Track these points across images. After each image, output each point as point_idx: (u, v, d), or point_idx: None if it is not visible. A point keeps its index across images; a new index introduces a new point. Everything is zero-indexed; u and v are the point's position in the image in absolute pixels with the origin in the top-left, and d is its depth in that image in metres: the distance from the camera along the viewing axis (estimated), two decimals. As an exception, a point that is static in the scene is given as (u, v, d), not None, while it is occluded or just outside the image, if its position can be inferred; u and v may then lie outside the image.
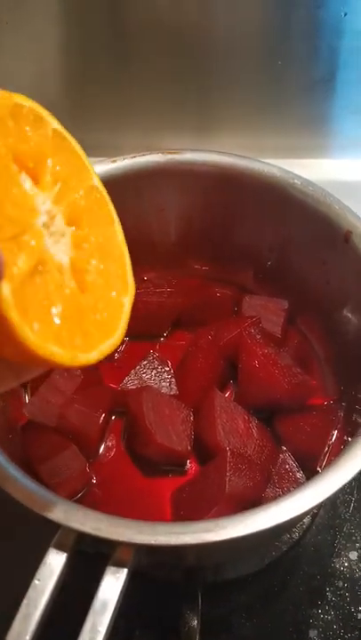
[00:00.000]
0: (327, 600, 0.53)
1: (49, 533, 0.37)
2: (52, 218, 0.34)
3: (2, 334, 0.30)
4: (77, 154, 0.38)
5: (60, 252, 0.34)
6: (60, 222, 0.35)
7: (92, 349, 0.35)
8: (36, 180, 0.34)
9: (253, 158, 0.58)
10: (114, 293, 0.38)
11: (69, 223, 0.35)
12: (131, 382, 0.57)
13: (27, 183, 0.33)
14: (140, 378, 0.57)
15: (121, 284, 0.39)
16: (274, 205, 0.58)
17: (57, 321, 0.33)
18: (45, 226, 0.33)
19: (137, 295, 0.60)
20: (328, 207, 0.55)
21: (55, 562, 0.36)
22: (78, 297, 0.35)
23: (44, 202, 0.34)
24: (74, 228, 0.36)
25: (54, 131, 0.36)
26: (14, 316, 0.29)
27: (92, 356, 0.35)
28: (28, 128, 0.34)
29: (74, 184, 0.37)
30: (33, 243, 0.32)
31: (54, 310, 0.33)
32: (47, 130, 0.35)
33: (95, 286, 0.36)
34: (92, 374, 0.57)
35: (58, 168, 0.35)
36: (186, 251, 0.67)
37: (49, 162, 0.35)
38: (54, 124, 0.36)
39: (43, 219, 0.33)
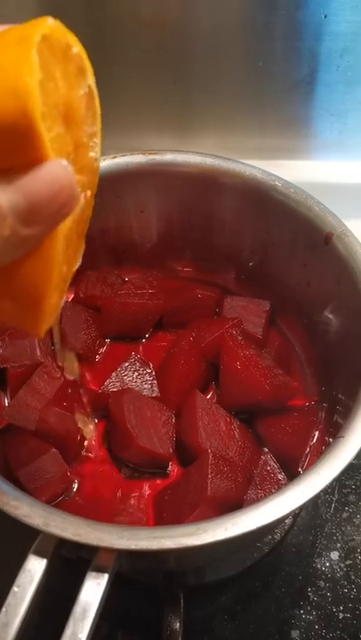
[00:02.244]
0: (309, 600, 0.53)
1: (28, 539, 0.37)
2: None
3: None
4: (97, 119, 0.36)
5: None
6: None
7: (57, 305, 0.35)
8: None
9: (234, 160, 0.58)
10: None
11: None
12: (112, 384, 0.56)
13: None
14: (122, 380, 0.57)
15: (77, 253, 0.38)
16: (255, 207, 0.59)
17: (64, 269, 0.34)
18: None
19: (118, 297, 0.61)
20: (309, 209, 0.55)
21: (35, 568, 0.36)
22: (69, 250, 0.35)
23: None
24: None
25: (89, 87, 0.34)
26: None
27: (52, 316, 0.34)
28: (73, 75, 0.31)
29: (83, 155, 0.35)
30: None
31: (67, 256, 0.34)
32: (85, 84, 0.33)
33: (70, 247, 0.35)
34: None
35: (79, 134, 0.33)
36: (167, 252, 0.67)
37: (77, 125, 0.33)
38: (90, 79, 0.34)
39: None
